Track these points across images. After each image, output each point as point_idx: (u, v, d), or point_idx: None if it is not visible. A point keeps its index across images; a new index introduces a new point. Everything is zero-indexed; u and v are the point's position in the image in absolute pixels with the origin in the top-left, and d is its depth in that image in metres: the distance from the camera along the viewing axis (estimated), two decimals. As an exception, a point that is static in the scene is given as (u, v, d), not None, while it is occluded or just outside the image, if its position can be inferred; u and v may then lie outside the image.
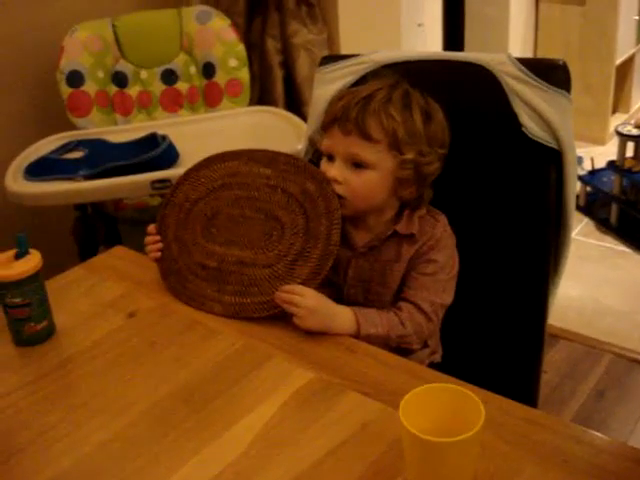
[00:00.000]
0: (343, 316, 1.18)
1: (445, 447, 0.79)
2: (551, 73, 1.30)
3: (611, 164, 3.27)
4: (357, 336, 1.17)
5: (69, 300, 1.31)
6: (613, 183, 3.28)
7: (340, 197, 1.21)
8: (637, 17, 4.01)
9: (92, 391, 1.09)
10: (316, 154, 1.34)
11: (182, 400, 1.04)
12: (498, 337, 1.40)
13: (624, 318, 2.63)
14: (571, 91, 1.30)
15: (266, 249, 1.22)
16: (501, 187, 1.34)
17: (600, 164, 3.38)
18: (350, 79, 1.40)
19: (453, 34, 3.52)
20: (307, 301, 1.15)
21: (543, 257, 1.36)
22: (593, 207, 3.36)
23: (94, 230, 2.08)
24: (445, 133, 1.25)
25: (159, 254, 1.31)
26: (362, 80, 1.37)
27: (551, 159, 1.30)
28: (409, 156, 1.20)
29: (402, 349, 1.21)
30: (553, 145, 1.29)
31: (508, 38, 3.76)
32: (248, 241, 1.24)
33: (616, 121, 4.02)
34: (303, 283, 1.18)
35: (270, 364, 1.10)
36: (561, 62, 1.31)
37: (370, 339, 1.17)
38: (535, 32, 4.05)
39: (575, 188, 1.35)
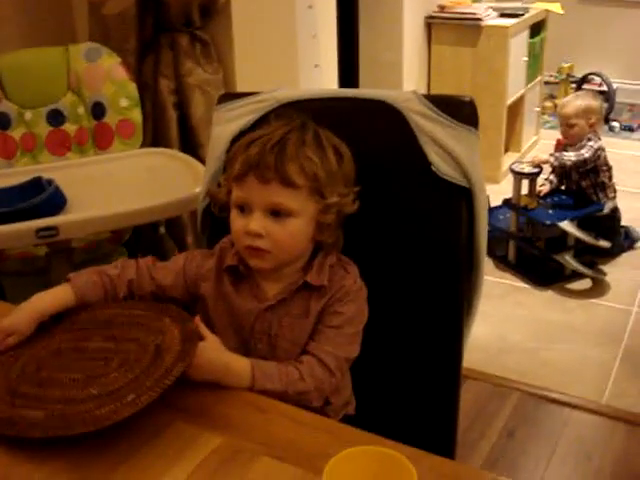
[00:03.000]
0: (237, 367, 1.10)
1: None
2: (458, 109, 1.27)
3: (507, 202, 3.32)
4: (251, 390, 1.09)
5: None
6: (509, 221, 3.32)
7: (262, 250, 1.13)
8: (526, 58, 4.14)
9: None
10: (218, 209, 1.23)
11: (79, 475, 0.92)
12: (413, 384, 1.35)
13: (530, 355, 2.64)
14: (478, 127, 1.27)
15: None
16: (411, 227, 1.29)
17: (495, 202, 3.43)
18: (251, 117, 1.32)
19: (348, 75, 3.54)
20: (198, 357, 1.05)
21: (455, 299, 1.31)
22: (490, 245, 3.39)
23: (-26, 284, 1.92)
24: (354, 169, 1.20)
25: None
26: (263, 119, 1.30)
27: (461, 197, 1.26)
28: (332, 199, 1.15)
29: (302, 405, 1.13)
30: (463, 183, 1.25)
31: (402, 79, 3.80)
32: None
33: (508, 160, 4.11)
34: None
35: (171, 430, 0.99)
36: (468, 98, 1.29)
37: (266, 394, 1.09)
38: (428, 74, 4.12)
39: (486, 226, 1.32)
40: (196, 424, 1.00)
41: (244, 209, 1.14)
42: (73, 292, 1.20)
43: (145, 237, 2.06)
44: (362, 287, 1.20)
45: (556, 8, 4.31)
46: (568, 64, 5.25)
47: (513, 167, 3.25)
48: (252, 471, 0.92)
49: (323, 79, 3.14)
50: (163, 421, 1.01)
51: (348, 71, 3.55)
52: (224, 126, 1.36)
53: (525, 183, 3.24)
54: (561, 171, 3.27)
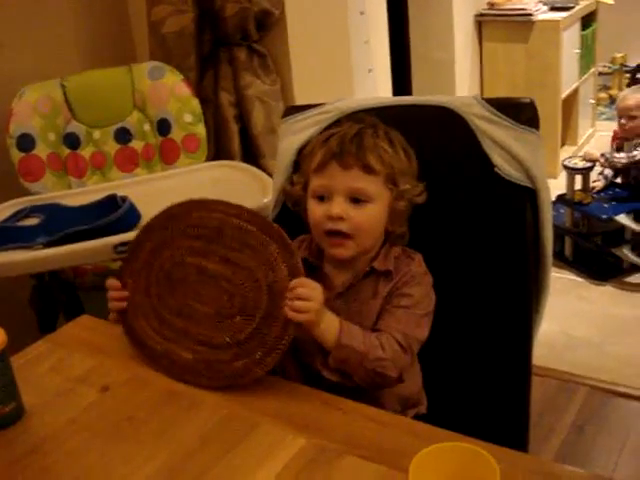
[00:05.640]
0: (329, 319, 1.15)
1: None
2: (519, 112, 1.29)
3: (561, 197, 3.29)
4: (337, 345, 1.14)
5: (36, 377, 1.23)
6: (564, 216, 3.29)
7: (343, 236, 1.19)
8: (578, 51, 4.10)
9: (70, 475, 1.02)
10: (292, 203, 1.31)
11: (168, 479, 0.98)
12: (483, 383, 1.37)
13: (596, 349, 2.63)
14: (540, 128, 1.29)
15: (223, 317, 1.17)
16: (478, 229, 1.32)
17: (553, 197, 3.39)
18: (316, 128, 1.37)
19: (401, 77, 3.57)
20: (318, 295, 1.12)
21: (524, 298, 1.34)
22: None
23: (53, 298, 2.00)
24: (417, 168, 1.26)
25: (124, 304, 1.25)
26: (328, 129, 1.34)
27: (526, 198, 1.29)
28: (405, 187, 1.21)
29: (377, 384, 1.18)
30: (527, 184, 1.28)
31: (455, 78, 3.80)
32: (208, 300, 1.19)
33: (565, 154, 4.08)
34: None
35: (258, 432, 1.05)
36: (528, 100, 1.31)
37: (348, 353, 1.14)
38: (480, 72, 4.11)
39: (551, 225, 1.34)
40: (279, 426, 1.05)
41: (324, 197, 1.20)
42: None
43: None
44: (427, 272, 1.25)
45: (606, -1, 4.27)
46: (621, 54, 5.18)
47: (566, 163, 3.22)
48: (338, 470, 0.96)
49: (377, 83, 3.18)
50: (247, 424, 1.06)
51: (401, 73, 3.57)
52: (290, 138, 1.41)
53: (578, 178, 3.22)
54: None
